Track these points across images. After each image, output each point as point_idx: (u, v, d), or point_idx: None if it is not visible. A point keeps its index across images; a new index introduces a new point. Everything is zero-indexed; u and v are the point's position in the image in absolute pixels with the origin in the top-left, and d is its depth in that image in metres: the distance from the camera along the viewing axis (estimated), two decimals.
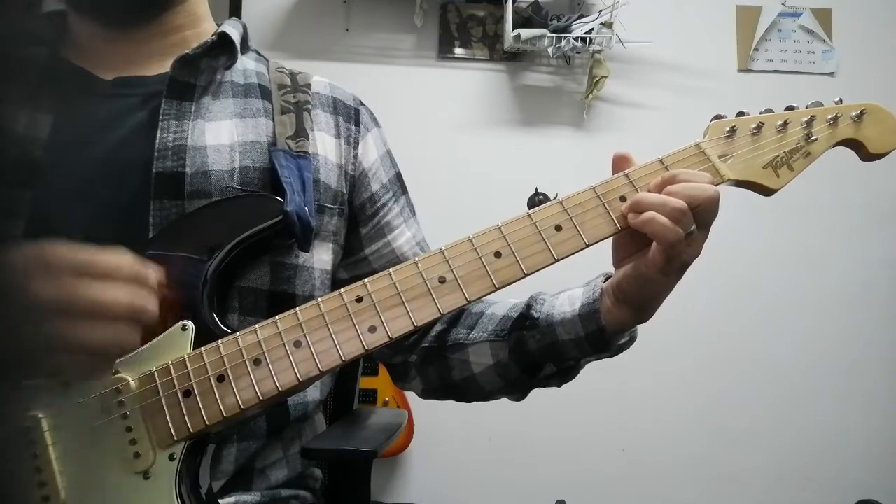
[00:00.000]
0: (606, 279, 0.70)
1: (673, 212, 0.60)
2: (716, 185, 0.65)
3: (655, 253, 0.62)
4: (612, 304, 0.67)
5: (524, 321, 0.74)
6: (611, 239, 0.66)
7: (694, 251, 0.63)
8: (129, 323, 0.55)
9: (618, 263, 0.68)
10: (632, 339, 0.72)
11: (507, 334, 0.75)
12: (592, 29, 2.12)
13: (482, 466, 2.19)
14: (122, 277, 0.55)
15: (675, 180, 0.63)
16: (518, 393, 0.79)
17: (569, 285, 0.75)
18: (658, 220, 0.60)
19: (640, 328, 0.71)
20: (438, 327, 0.82)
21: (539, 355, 0.73)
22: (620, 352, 0.72)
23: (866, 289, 2.28)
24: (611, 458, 2.21)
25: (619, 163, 0.67)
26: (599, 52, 2.20)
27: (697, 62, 2.31)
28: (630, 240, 0.65)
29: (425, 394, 0.85)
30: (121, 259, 0.55)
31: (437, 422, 2.12)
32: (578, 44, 2.13)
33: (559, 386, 0.77)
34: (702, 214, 0.62)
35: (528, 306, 0.75)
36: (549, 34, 2.12)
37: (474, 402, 0.83)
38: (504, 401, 0.83)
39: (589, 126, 2.30)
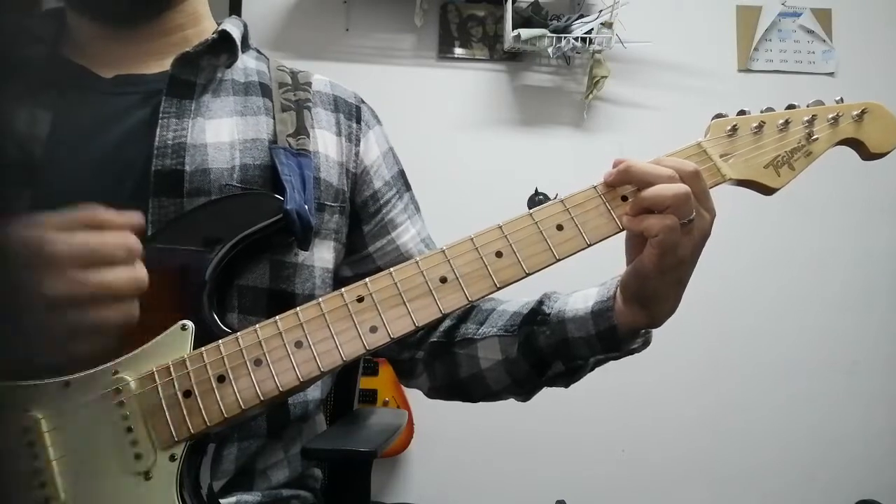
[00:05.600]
0: None
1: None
2: (716, 184, 0.65)
3: (649, 248, 0.62)
4: (622, 304, 0.67)
5: (535, 316, 0.74)
6: (614, 238, 0.65)
7: (687, 247, 0.62)
8: (131, 298, 0.57)
9: (628, 262, 0.67)
10: (645, 343, 0.72)
11: (517, 329, 0.75)
12: (592, 29, 2.12)
13: (482, 466, 2.18)
14: (123, 258, 0.56)
15: (630, 173, 0.63)
16: (525, 392, 0.79)
17: (570, 285, 0.75)
18: (648, 219, 0.61)
19: None
20: (447, 323, 0.81)
21: (548, 352, 0.72)
22: (631, 353, 0.72)
23: (869, 289, 2.28)
24: (611, 458, 2.21)
25: None
26: (599, 52, 2.20)
27: (697, 62, 2.32)
28: (639, 238, 0.64)
29: (431, 392, 0.84)
30: (116, 239, 0.57)
31: (437, 422, 2.11)
32: (578, 44, 2.13)
33: (566, 386, 0.76)
34: (676, 210, 0.61)
35: (541, 302, 0.75)
36: (549, 34, 2.12)
37: (481, 403, 0.82)
38: (505, 401, 0.82)
39: (589, 126, 2.30)
